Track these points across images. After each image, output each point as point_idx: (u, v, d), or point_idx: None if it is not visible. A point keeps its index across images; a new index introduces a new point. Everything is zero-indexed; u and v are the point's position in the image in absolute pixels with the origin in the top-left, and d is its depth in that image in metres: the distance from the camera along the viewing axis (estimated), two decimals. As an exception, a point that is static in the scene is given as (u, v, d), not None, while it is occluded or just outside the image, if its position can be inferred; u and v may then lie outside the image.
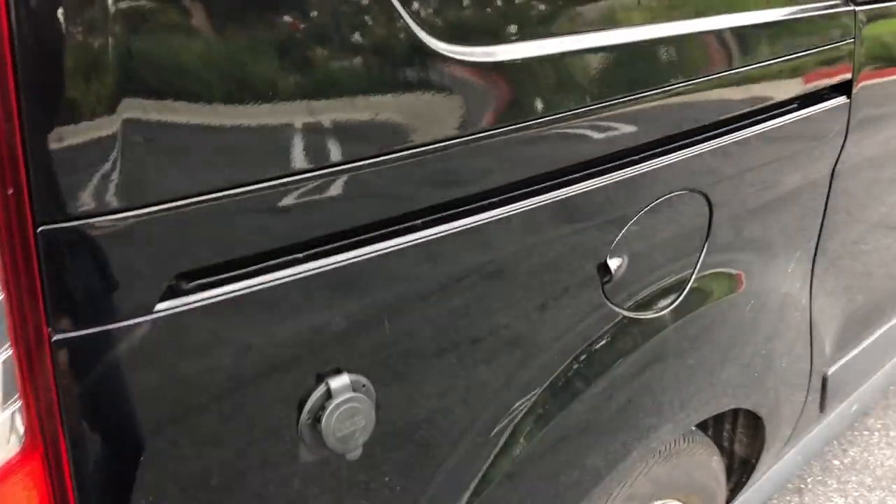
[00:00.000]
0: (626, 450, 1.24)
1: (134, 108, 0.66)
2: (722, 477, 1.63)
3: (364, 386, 0.87)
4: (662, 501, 1.48)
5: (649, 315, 1.19)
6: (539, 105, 0.94)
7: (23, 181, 0.63)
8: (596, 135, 1.02)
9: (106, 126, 0.65)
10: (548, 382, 1.08)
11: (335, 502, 0.91)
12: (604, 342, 1.14)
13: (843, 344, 1.79)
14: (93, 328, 0.69)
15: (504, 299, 0.99)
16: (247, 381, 0.80)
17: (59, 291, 0.67)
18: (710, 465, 1.57)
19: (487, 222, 0.92)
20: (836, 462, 2.50)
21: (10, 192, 0.63)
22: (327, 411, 0.83)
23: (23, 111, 0.61)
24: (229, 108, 0.71)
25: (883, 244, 1.78)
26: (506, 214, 0.93)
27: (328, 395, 0.84)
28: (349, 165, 0.79)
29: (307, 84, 0.75)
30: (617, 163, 1.05)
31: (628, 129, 1.05)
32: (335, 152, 0.79)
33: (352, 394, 0.85)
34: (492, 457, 1.05)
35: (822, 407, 1.85)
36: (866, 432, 2.61)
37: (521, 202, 0.95)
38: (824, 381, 1.78)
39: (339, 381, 0.84)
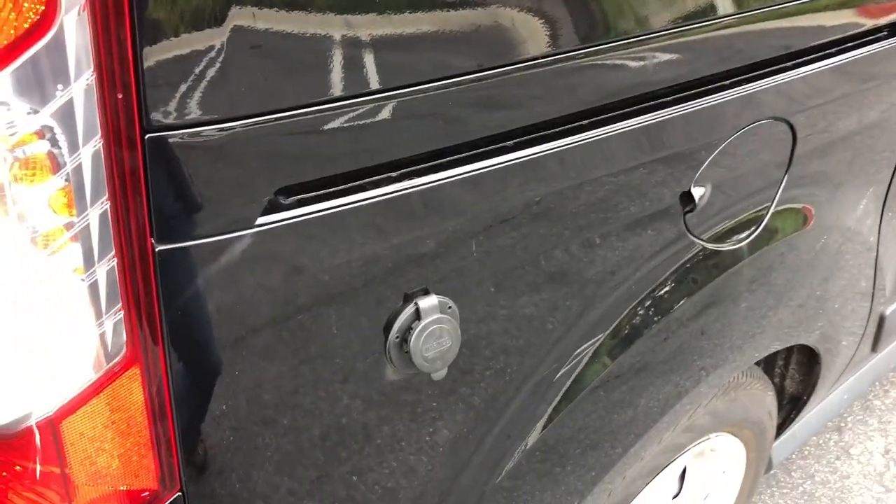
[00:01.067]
0: (695, 383, 1.24)
1: (242, 17, 0.64)
2: (774, 412, 1.63)
3: (450, 308, 0.86)
4: (718, 434, 1.49)
5: (727, 247, 1.17)
6: (624, 26, 0.90)
7: (132, 87, 0.61)
8: (681, 58, 0.98)
9: (214, 34, 0.63)
10: (628, 310, 1.07)
11: (418, 420, 0.91)
12: (680, 274, 1.13)
13: (903, 284, 1.77)
14: (195, 240, 0.68)
15: (578, 231, 0.97)
16: (338, 299, 0.79)
17: (164, 202, 0.66)
18: (765, 400, 1.56)
19: (578, 146, 0.90)
20: (878, 402, 2.50)
21: (120, 96, 0.61)
22: (415, 331, 0.83)
23: (134, 17, 0.60)
24: (337, 18, 0.68)
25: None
26: (597, 138, 0.91)
27: (417, 315, 0.83)
28: (448, 82, 0.77)
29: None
30: (706, 87, 1.01)
31: (715, 54, 1.01)
32: (430, 70, 0.76)
33: (439, 315, 0.84)
34: (567, 385, 1.05)
35: (875, 346, 1.84)
36: (909, 374, 2.60)
37: (612, 125, 0.92)
38: (881, 320, 1.75)
39: (427, 302, 0.83)
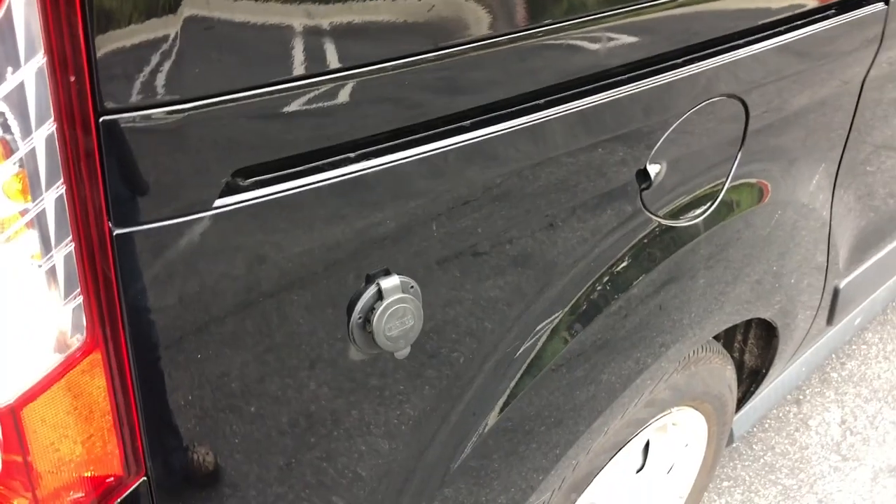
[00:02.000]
0: (651, 360, 1.26)
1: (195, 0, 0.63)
2: (734, 386, 1.67)
3: (412, 287, 0.87)
4: (679, 408, 1.52)
5: (683, 223, 1.19)
6: (579, 5, 0.91)
7: (85, 70, 0.61)
8: (635, 38, 1.00)
9: (167, 16, 0.63)
10: (587, 287, 1.09)
11: (383, 401, 0.92)
12: (637, 250, 1.15)
13: (856, 257, 1.81)
14: (153, 223, 0.68)
15: (538, 209, 0.98)
16: (300, 281, 0.80)
17: (121, 185, 0.66)
18: (725, 374, 1.60)
19: (535, 125, 0.91)
20: (835, 374, 2.56)
21: (73, 79, 0.61)
22: (378, 311, 0.83)
23: (84, 1, 0.59)
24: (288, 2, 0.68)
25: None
26: (554, 117, 0.92)
27: (379, 295, 0.84)
28: (406, 61, 0.77)
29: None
30: (659, 66, 1.03)
31: (668, 33, 1.03)
32: (388, 50, 0.77)
33: (401, 294, 0.85)
34: (527, 361, 1.07)
35: (831, 319, 1.88)
36: (864, 346, 2.67)
37: (569, 104, 0.93)
38: (836, 293, 1.80)
39: (389, 282, 0.84)
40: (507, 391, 1.07)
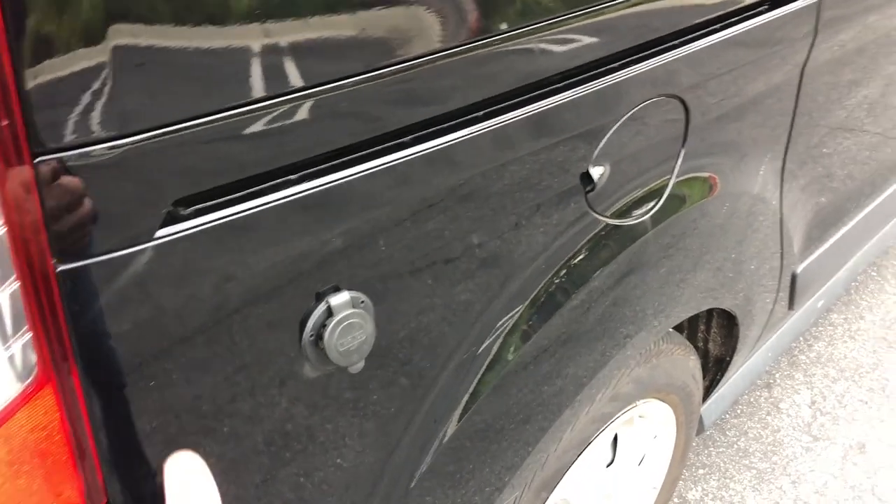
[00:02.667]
0: (606, 356, 1.29)
1: (123, 35, 0.65)
2: (698, 375, 1.70)
3: (363, 302, 0.89)
4: (644, 401, 1.55)
5: (631, 221, 1.22)
6: (511, 17, 0.93)
7: (16, 113, 0.62)
8: (570, 46, 1.02)
9: (96, 54, 0.64)
10: (531, 297, 1.12)
11: (340, 416, 0.94)
12: (585, 253, 1.17)
13: (811, 242, 1.85)
14: (96, 257, 0.69)
15: (486, 216, 1.00)
16: (249, 304, 0.81)
17: (61, 222, 0.67)
18: (688, 364, 1.63)
19: (467, 139, 0.93)
20: (803, 357, 2.61)
21: (5, 123, 0.62)
22: (329, 328, 0.85)
23: (11, 43, 0.60)
24: (218, 30, 0.70)
25: (845, 145, 1.82)
26: (486, 130, 0.94)
27: (329, 312, 0.86)
28: (339, 84, 0.79)
29: (293, 4, 0.74)
30: (596, 71, 1.05)
31: (602, 38, 1.06)
32: (321, 73, 0.79)
33: (352, 310, 0.87)
34: (482, 368, 1.09)
35: (791, 304, 1.92)
36: (830, 327, 2.72)
37: (506, 115, 0.96)
38: (793, 278, 1.84)
39: (338, 299, 0.86)
40: (470, 392, 1.09)
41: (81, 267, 0.69)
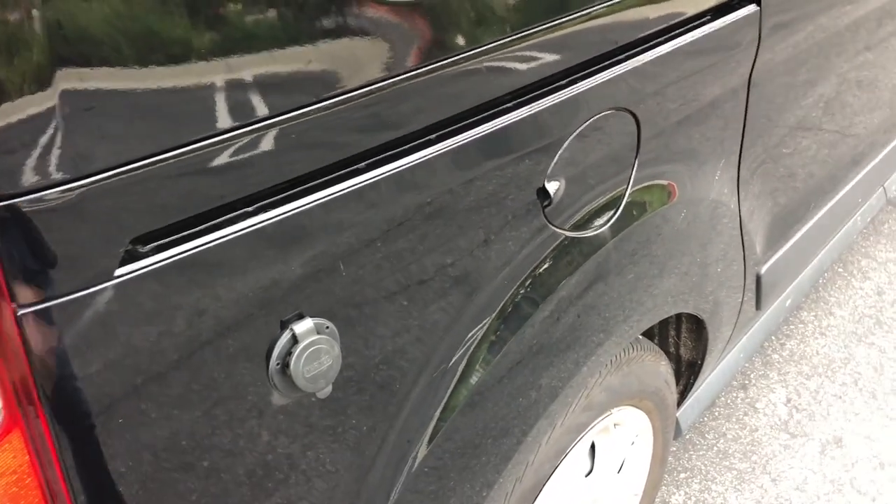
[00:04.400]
0: (577, 365, 1.31)
1: (70, 79, 0.66)
2: (671, 380, 1.73)
3: (328, 328, 0.90)
4: (619, 408, 1.57)
5: (590, 233, 1.25)
6: (458, 41, 0.96)
7: (-32, 162, 0.64)
8: (519, 65, 1.05)
9: (44, 99, 0.65)
10: (498, 310, 1.13)
11: (311, 442, 0.95)
12: (548, 265, 1.19)
13: (773, 243, 1.89)
14: (56, 299, 0.70)
15: (448, 235, 1.02)
16: (215, 337, 0.82)
17: (18, 267, 0.68)
18: (659, 369, 1.65)
19: (423, 161, 0.95)
20: (776, 356, 2.65)
21: (-42, 173, 0.63)
22: (294, 355, 0.87)
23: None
24: (163, 70, 0.72)
25: (803, 145, 1.86)
26: (441, 151, 0.96)
27: (294, 339, 0.87)
28: (286, 117, 0.81)
29: (236, 40, 0.76)
30: (543, 90, 1.08)
31: (549, 56, 1.08)
32: (271, 105, 0.80)
33: (316, 336, 0.88)
34: (452, 385, 1.10)
35: (759, 304, 1.95)
36: (801, 325, 2.76)
37: (454, 138, 0.98)
38: (758, 279, 1.87)
39: (303, 326, 0.87)
40: (441, 408, 1.11)
41: (42, 310, 0.70)
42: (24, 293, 0.69)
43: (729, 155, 1.54)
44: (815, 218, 2.10)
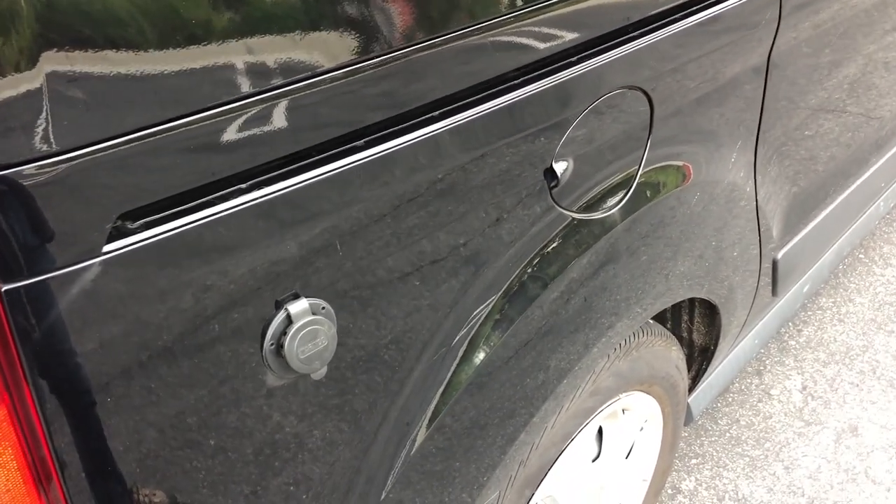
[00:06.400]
0: (585, 349, 1.28)
1: (57, 55, 0.64)
2: (682, 366, 1.70)
3: (324, 308, 0.88)
4: (627, 393, 1.54)
5: (599, 215, 1.22)
6: (466, 14, 0.93)
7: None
8: (528, 41, 1.02)
9: (29, 72, 0.64)
10: (503, 289, 1.11)
11: (306, 424, 0.94)
12: (556, 245, 1.17)
13: (791, 227, 1.85)
14: (43, 275, 0.69)
15: (453, 213, 1.00)
16: (206, 316, 0.81)
17: (4, 241, 0.66)
18: (670, 355, 1.63)
19: (431, 137, 0.93)
20: (792, 342, 2.61)
21: (-62, 145, 0.62)
22: (289, 336, 0.85)
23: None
24: (154, 42, 0.70)
25: (824, 128, 1.82)
26: (449, 127, 0.94)
27: (289, 320, 0.85)
28: (283, 90, 0.79)
29: (234, 7, 0.74)
30: (554, 66, 1.05)
31: (559, 32, 1.05)
32: (267, 78, 0.78)
33: (311, 317, 0.86)
34: (454, 366, 1.08)
35: (775, 290, 1.92)
36: (819, 311, 2.72)
37: (464, 113, 0.95)
38: (775, 264, 1.83)
39: (297, 306, 0.85)
40: (443, 388, 1.09)
41: (28, 285, 0.68)
42: (9, 269, 0.67)
43: (746, 137, 1.50)
44: (836, 202, 2.05)
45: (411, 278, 0.99)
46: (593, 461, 1.60)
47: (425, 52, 0.90)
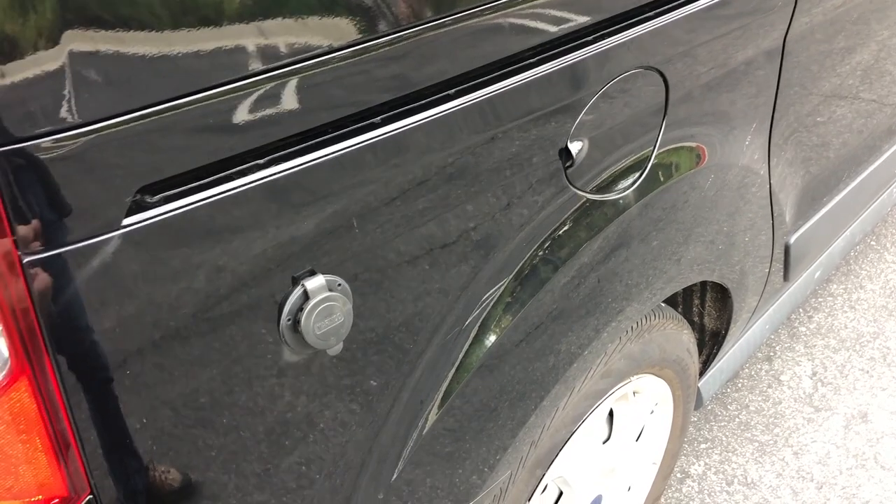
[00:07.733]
0: (597, 332, 1.29)
1: (79, 29, 0.65)
2: (693, 349, 1.70)
3: (340, 285, 0.89)
4: (638, 376, 1.54)
5: (613, 196, 1.22)
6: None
7: (-27, 104, 0.62)
8: (542, 20, 1.01)
9: (51, 49, 0.64)
10: (515, 271, 1.11)
11: (319, 403, 0.94)
12: (568, 227, 1.17)
13: (804, 212, 1.84)
14: (62, 247, 0.69)
15: (466, 194, 1.00)
16: (225, 290, 0.81)
17: (24, 213, 0.67)
18: (681, 338, 1.63)
19: (445, 116, 0.93)
20: (803, 328, 2.60)
21: (-39, 116, 0.62)
22: (305, 311, 0.85)
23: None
24: (174, 16, 0.70)
25: (838, 113, 1.81)
26: (463, 106, 0.94)
27: (305, 296, 0.85)
28: (299, 66, 0.79)
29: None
30: (570, 45, 1.05)
31: (575, 11, 1.05)
32: (285, 54, 0.78)
33: (328, 293, 0.87)
34: (465, 347, 1.09)
35: (787, 275, 1.91)
36: (829, 298, 2.71)
37: (478, 92, 0.95)
38: (787, 249, 1.83)
39: (314, 282, 0.86)
40: (455, 368, 1.09)
41: (48, 257, 0.69)
42: (30, 240, 0.68)
43: (761, 120, 1.50)
44: (848, 188, 2.04)
45: (425, 258, 0.99)
46: (604, 443, 1.60)
47: (440, 31, 0.90)
